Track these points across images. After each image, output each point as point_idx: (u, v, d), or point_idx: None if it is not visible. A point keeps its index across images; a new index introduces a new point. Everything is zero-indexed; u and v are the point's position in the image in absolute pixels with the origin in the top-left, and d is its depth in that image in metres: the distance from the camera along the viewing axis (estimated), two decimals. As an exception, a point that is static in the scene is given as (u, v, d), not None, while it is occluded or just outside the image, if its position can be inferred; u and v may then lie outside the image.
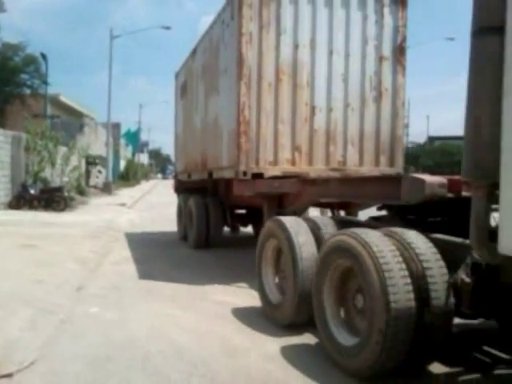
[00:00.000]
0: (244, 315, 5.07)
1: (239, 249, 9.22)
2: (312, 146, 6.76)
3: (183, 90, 10.69)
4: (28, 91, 29.16)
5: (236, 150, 6.43)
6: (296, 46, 6.63)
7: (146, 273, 7.14)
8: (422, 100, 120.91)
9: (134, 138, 55.15)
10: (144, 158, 59.36)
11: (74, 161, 19.74)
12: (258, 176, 6.34)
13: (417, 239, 3.44)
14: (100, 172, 28.55)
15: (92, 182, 27.77)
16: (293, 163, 6.57)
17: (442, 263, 3.30)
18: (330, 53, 6.79)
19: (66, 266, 7.32)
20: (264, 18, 6.42)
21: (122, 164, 46.07)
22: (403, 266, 3.28)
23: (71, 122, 28.24)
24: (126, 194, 28.16)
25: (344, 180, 5.29)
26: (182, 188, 11.25)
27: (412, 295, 3.20)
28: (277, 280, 4.94)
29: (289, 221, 4.61)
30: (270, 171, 6.41)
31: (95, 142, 30.39)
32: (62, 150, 18.46)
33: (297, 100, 6.65)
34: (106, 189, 27.17)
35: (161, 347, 4.19)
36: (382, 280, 3.21)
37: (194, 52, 9.49)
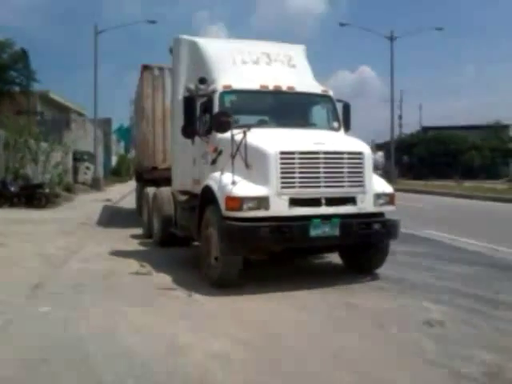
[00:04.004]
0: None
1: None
2: None
3: (135, 114, 15.74)
4: (17, 88, 28.75)
5: (143, 155, 12.06)
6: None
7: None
8: (414, 90, 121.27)
9: (126, 133, 54.41)
10: (138, 154, 59.16)
11: (56, 157, 19.44)
12: (155, 168, 11.06)
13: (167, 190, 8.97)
14: (88, 168, 28.19)
15: (80, 178, 27.46)
16: None
17: (171, 198, 8.67)
18: None
19: (28, 264, 7.13)
20: (155, 85, 11.30)
21: (114, 160, 45.68)
22: (170, 198, 8.71)
23: (58, 118, 27.87)
24: (115, 189, 27.90)
25: None
26: (136, 177, 15.54)
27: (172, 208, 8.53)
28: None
29: (163, 190, 9.23)
30: (161, 165, 10.81)
31: (84, 138, 30.04)
32: (44, 146, 18.20)
33: None
34: (95, 185, 26.89)
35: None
36: (158, 202, 9.16)
37: (135, 94, 14.59)
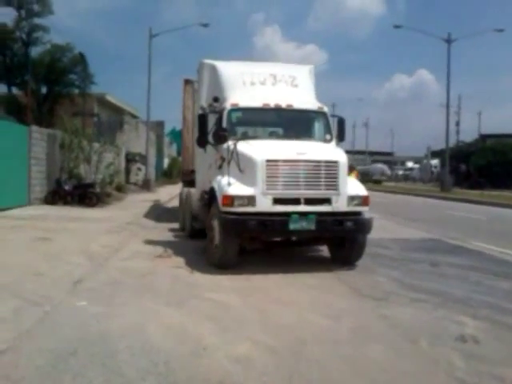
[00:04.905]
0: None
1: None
2: None
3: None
4: (77, 91, 30.06)
5: (184, 159, 12.81)
6: None
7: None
8: (473, 96, 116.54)
9: (178, 136, 55.81)
10: (189, 157, 60.33)
11: (108, 157, 20.19)
12: (192, 171, 10.99)
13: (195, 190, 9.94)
14: (139, 169, 29.08)
15: (132, 178, 28.36)
16: None
17: (199, 197, 9.26)
18: None
19: (72, 259, 7.43)
20: (195, 97, 11.03)
21: (166, 162, 46.81)
22: (198, 196, 9.38)
23: (113, 120, 28.96)
24: (165, 191, 28.60)
25: None
26: (181, 178, 16.45)
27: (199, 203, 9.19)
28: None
29: (193, 190, 10.21)
30: None
31: (137, 140, 31.03)
32: (97, 146, 18.93)
33: None
34: (146, 186, 27.68)
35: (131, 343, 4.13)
36: (189, 200, 10.44)
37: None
